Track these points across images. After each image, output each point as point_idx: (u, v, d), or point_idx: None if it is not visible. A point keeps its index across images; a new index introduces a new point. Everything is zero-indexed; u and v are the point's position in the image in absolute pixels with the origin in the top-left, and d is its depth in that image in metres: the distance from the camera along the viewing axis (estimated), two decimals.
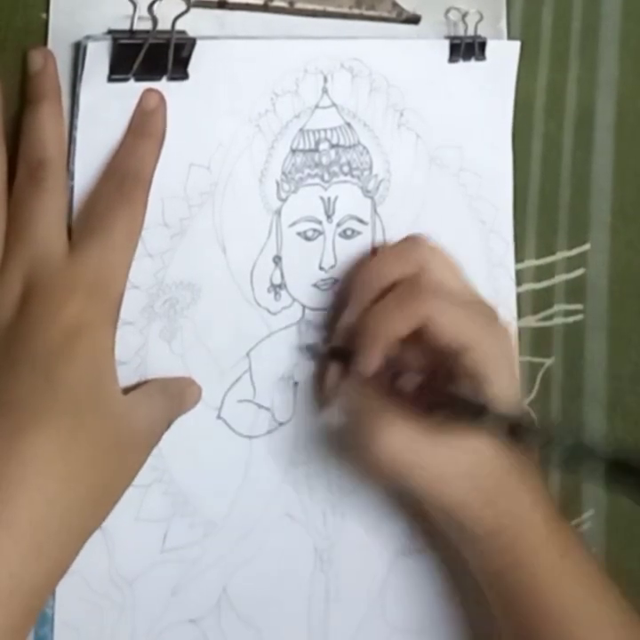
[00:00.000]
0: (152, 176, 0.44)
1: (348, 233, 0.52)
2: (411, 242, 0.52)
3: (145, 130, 0.44)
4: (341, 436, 0.51)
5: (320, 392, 0.52)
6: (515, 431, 0.46)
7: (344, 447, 0.52)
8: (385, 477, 0.50)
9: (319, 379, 0.52)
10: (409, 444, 0.47)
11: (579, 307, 0.64)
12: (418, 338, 0.48)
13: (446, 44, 0.54)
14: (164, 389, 0.46)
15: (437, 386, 0.48)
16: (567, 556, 0.51)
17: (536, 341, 0.63)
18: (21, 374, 0.40)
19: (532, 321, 0.63)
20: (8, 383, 0.39)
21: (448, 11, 0.53)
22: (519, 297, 0.61)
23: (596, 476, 0.44)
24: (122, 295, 0.42)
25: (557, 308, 0.64)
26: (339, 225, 0.52)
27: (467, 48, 0.54)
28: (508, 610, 0.52)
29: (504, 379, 0.49)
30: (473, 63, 0.55)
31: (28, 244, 0.41)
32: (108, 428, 0.41)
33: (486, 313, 0.51)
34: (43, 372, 0.39)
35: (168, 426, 0.45)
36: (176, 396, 0.46)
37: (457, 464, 0.48)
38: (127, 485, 0.42)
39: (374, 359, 0.48)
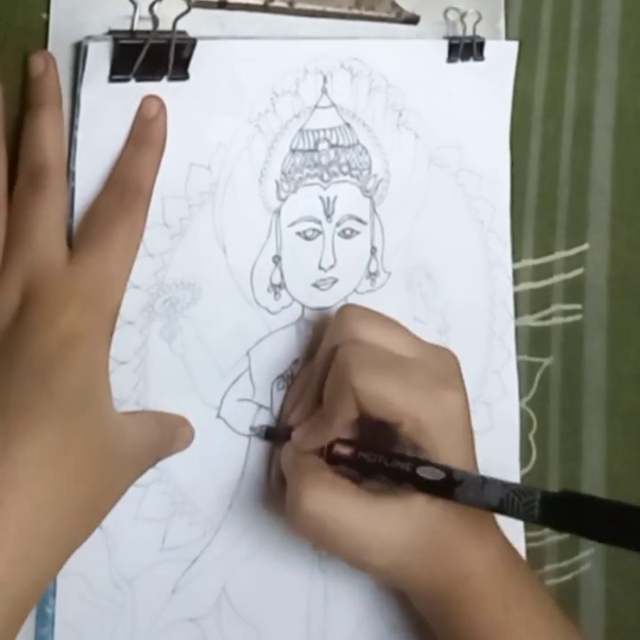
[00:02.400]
0: (153, 186, 0.44)
1: (348, 232, 0.52)
2: (342, 310, 0.49)
3: (145, 138, 0.44)
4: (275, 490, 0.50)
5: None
6: (451, 491, 0.44)
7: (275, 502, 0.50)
8: (308, 533, 0.46)
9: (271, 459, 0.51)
10: (334, 504, 0.45)
11: (577, 306, 0.64)
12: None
13: (445, 44, 0.54)
14: (157, 421, 0.46)
15: (376, 451, 0.47)
16: (512, 607, 0.48)
17: (534, 341, 0.63)
18: (17, 379, 0.40)
19: (530, 320, 0.63)
20: (3, 387, 0.39)
21: (447, 11, 0.53)
22: (517, 296, 0.61)
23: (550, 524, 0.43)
24: (118, 307, 0.43)
25: (556, 307, 0.64)
26: (338, 225, 0.52)
27: (465, 48, 0.54)
28: None
29: (450, 448, 0.46)
30: (471, 63, 0.55)
31: (28, 250, 0.41)
32: (98, 439, 0.41)
33: (433, 370, 0.47)
34: (38, 378, 0.40)
35: (155, 461, 0.45)
36: (168, 431, 0.46)
37: (384, 529, 0.46)
38: (115, 501, 0.42)
39: (310, 443, 0.47)
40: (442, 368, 0.48)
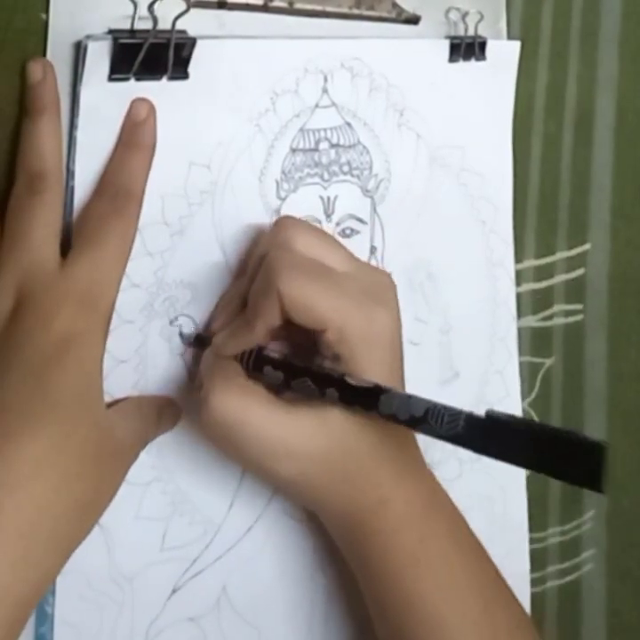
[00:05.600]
0: (144, 188, 0.44)
1: (348, 232, 0.52)
2: (279, 221, 0.48)
3: (135, 141, 0.44)
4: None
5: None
6: (374, 406, 0.43)
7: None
8: (215, 437, 0.45)
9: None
10: (241, 405, 0.43)
11: (579, 307, 0.64)
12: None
13: (446, 43, 0.54)
14: (140, 408, 0.46)
15: (295, 360, 0.45)
16: (428, 540, 0.47)
17: (536, 341, 0.63)
18: (13, 381, 0.40)
19: (531, 321, 0.63)
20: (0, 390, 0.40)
21: (448, 11, 0.53)
22: (519, 297, 0.61)
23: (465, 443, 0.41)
24: (112, 308, 0.43)
25: (557, 308, 0.63)
26: (338, 224, 0.52)
27: (467, 48, 0.54)
28: (373, 597, 0.48)
29: (374, 361, 0.45)
30: (473, 63, 0.55)
31: (23, 253, 0.42)
32: (94, 439, 0.41)
33: (362, 288, 0.46)
34: (34, 380, 0.40)
35: (143, 446, 0.45)
36: (152, 415, 0.46)
37: (294, 438, 0.44)
38: (110, 499, 0.42)
39: (231, 347, 0.46)
40: (376, 287, 0.47)
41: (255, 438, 0.44)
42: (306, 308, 0.44)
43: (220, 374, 0.45)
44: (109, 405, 0.44)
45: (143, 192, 0.44)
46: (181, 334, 0.48)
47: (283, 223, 0.47)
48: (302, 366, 0.45)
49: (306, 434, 0.44)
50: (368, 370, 0.44)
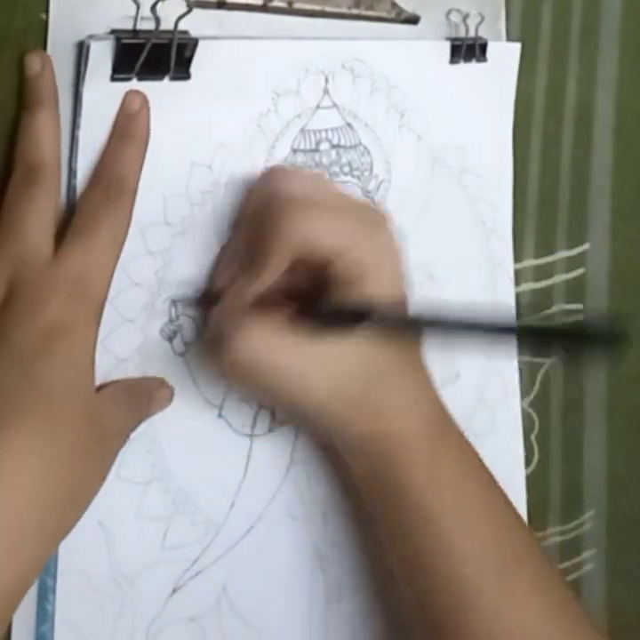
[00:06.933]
0: (138, 180, 0.44)
1: None
2: (268, 170, 0.49)
3: (129, 133, 0.44)
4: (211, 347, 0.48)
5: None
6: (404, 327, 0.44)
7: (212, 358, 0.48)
8: (243, 380, 0.46)
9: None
10: (266, 344, 0.44)
11: (578, 306, 0.64)
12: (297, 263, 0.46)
13: (447, 45, 0.54)
14: (129, 393, 0.46)
15: (310, 298, 0.46)
16: (440, 456, 0.48)
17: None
18: (2, 370, 0.40)
19: (531, 321, 0.63)
20: None
21: (449, 12, 0.53)
22: (519, 297, 0.61)
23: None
24: (105, 298, 0.43)
25: (557, 307, 0.63)
26: None
27: (468, 49, 0.54)
28: (386, 517, 0.49)
29: (384, 278, 0.46)
30: (474, 65, 0.55)
31: (16, 244, 0.42)
32: (83, 427, 0.41)
33: (362, 215, 0.47)
34: (22, 370, 0.40)
35: (134, 428, 0.45)
36: (142, 399, 0.46)
37: (318, 367, 0.45)
38: (98, 488, 0.42)
39: (242, 291, 0.45)
40: (372, 215, 0.48)
41: (285, 371, 0.45)
42: (314, 240, 0.44)
43: (240, 320, 0.45)
44: (99, 388, 0.44)
45: (137, 183, 0.44)
46: (175, 303, 0.47)
47: (274, 171, 0.48)
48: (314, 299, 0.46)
49: (332, 357, 0.45)
50: (385, 286, 0.46)
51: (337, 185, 0.49)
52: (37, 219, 0.42)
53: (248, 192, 0.48)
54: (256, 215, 0.46)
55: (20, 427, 0.38)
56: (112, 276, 0.43)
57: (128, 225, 0.44)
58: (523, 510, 0.62)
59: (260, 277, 0.45)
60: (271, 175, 0.48)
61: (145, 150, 0.44)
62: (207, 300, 0.48)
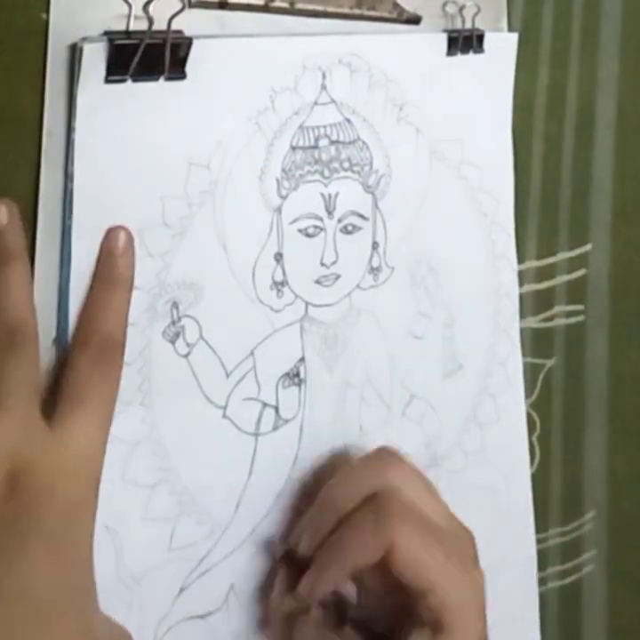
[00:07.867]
0: (126, 329, 0.43)
1: (349, 228, 0.52)
2: (384, 455, 0.47)
3: (114, 277, 0.43)
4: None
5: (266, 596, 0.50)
6: None
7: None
8: None
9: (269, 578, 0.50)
10: None
11: (580, 307, 0.64)
12: (383, 566, 0.44)
13: (444, 37, 0.54)
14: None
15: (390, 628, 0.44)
16: None
17: (537, 342, 0.63)
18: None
19: (533, 322, 0.63)
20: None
21: (445, 4, 0.53)
22: (520, 298, 0.61)
23: None
24: (101, 468, 0.42)
25: (558, 308, 0.63)
26: (339, 221, 0.51)
27: (465, 41, 0.54)
28: None
29: (468, 629, 0.43)
30: (471, 56, 0.55)
31: (9, 417, 0.39)
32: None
33: (460, 546, 0.45)
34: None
35: None
36: None
37: None
38: None
39: (321, 586, 0.45)
40: (464, 545, 0.46)
41: None
42: (417, 567, 0.43)
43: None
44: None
45: (125, 334, 0.43)
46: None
47: (388, 460, 0.46)
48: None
49: None
50: (465, 635, 0.43)
51: (439, 496, 0.47)
52: (28, 386, 0.40)
53: (355, 466, 0.47)
54: (358, 496, 0.45)
55: None
56: (107, 439, 0.42)
57: (119, 377, 0.43)
58: (528, 500, 0.62)
59: (339, 572, 0.44)
60: (385, 463, 0.46)
61: (131, 293, 0.43)
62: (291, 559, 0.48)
